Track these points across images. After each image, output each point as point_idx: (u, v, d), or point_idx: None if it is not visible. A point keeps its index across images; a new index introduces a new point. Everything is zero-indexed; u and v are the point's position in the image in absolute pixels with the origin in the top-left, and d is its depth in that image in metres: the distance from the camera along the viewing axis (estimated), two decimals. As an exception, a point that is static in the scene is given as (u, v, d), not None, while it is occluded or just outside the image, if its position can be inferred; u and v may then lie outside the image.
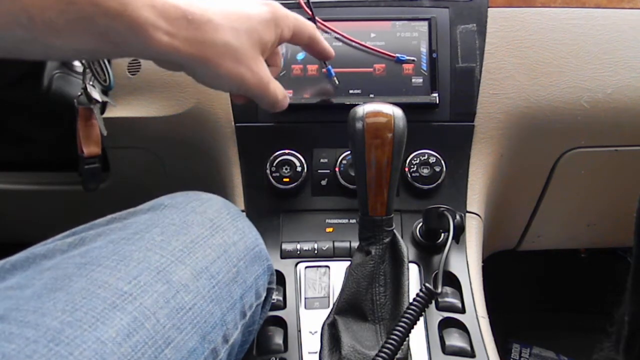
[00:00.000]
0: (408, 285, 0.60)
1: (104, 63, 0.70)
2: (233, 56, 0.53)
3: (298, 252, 0.73)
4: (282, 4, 0.78)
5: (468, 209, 0.77)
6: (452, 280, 0.71)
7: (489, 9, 0.79)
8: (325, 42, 0.68)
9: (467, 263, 0.73)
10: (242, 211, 0.78)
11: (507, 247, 1.04)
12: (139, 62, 0.80)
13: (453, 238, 0.66)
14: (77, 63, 0.76)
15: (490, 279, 0.77)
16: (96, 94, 0.73)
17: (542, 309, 1.36)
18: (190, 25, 0.50)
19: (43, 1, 0.41)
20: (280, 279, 0.70)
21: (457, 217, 0.68)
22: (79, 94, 0.74)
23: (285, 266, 0.72)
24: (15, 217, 1.03)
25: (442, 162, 0.76)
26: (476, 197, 0.78)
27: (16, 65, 0.53)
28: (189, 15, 0.49)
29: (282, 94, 0.62)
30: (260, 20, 0.56)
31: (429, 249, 0.73)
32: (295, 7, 0.79)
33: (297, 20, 0.63)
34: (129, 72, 0.80)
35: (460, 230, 0.68)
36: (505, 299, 1.07)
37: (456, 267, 0.72)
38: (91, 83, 0.73)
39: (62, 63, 0.75)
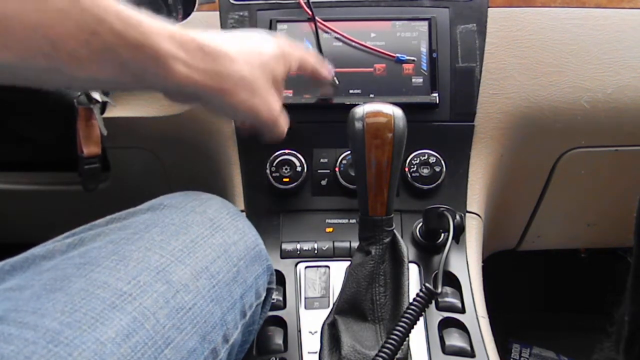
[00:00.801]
0: (408, 285, 0.59)
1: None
2: (248, 88, 0.55)
3: (298, 252, 0.73)
4: (282, 3, 0.80)
5: (468, 209, 0.77)
6: (452, 280, 0.72)
7: (489, 8, 0.79)
8: (326, 71, 0.71)
9: (467, 263, 0.73)
10: (242, 211, 0.78)
11: (507, 247, 1.04)
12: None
13: (453, 238, 0.66)
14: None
15: (491, 279, 0.77)
16: (96, 94, 0.73)
17: (542, 309, 1.35)
18: (208, 57, 0.51)
19: (67, 31, 0.41)
20: (280, 278, 0.70)
21: (457, 217, 0.68)
22: (79, 94, 0.74)
23: (285, 266, 0.72)
24: (15, 217, 1.03)
25: (442, 162, 0.76)
26: (476, 197, 0.78)
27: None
28: (205, 47, 0.51)
29: (285, 128, 0.64)
30: (271, 56, 0.59)
31: (429, 249, 0.73)
32: (295, 6, 0.79)
33: (302, 54, 0.66)
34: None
35: (460, 230, 0.68)
36: (505, 299, 1.07)
37: (456, 267, 0.72)
38: (91, 83, 0.73)
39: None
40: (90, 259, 0.46)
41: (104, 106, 0.79)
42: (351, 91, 0.77)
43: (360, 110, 0.59)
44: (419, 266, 0.72)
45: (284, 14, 0.79)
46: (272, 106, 0.59)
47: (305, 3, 0.78)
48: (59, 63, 0.42)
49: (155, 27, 0.47)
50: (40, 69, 0.42)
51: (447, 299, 0.69)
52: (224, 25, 0.79)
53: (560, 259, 1.33)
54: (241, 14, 0.79)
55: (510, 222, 0.97)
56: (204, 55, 0.51)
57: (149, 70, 0.47)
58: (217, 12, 0.80)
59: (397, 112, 0.59)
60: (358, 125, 0.58)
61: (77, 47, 0.42)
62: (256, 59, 0.57)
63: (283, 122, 0.62)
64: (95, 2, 0.42)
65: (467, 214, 0.77)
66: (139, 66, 0.47)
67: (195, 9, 0.81)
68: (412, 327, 0.53)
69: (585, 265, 1.31)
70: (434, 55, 0.78)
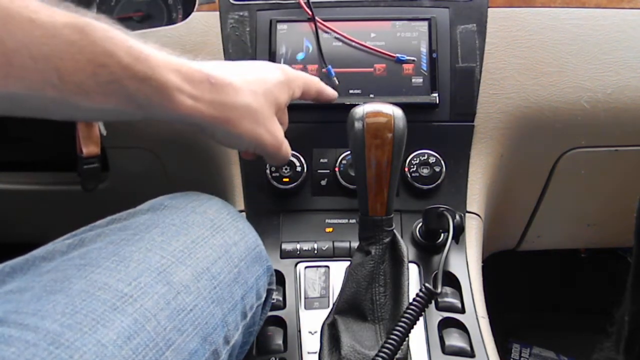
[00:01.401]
0: (408, 286, 0.60)
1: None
2: (253, 117, 0.56)
3: (298, 252, 0.73)
4: (281, 3, 0.80)
5: (468, 209, 0.77)
6: (451, 280, 0.72)
7: (489, 9, 0.79)
8: (330, 90, 0.72)
9: (467, 263, 0.73)
10: (242, 211, 0.78)
11: (508, 247, 1.04)
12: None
13: (453, 238, 0.66)
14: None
15: (491, 278, 0.77)
16: (96, 94, 0.73)
17: (542, 309, 1.36)
18: (213, 88, 0.52)
19: (75, 63, 0.42)
20: (280, 279, 0.70)
21: (457, 217, 0.68)
22: (79, 93, 0.74)
23: (285, 266, 0.72)
24: (15, 217, 1.03)
25: (442, 162, 0.76)
26: (476, 197, 0.78)
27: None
28: (211, 79, 0.52)
29: (289, 153, 0.65)
30: (275, 83, 0.60)
31: (429, 249, 0.73)
32: (295, 7, 0.79)
33: (305, 79, 0.67)
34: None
35: (459, 231, 0.68)
36: (505, 299, 1.07)
37: (456, 267, 0.72)
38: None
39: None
40: (91, 260, 0.46)
41: (103, 106, 0.79)
42: (351, 91, 0.77)
43: (360, 110, 0.59)
44: (419, 266, 0.72)
45: (284, 14, 0.79)
46: (276, 134, 0.60)
47: (305, 3, 0.78)
48: (66, 94, 0.43)
49: (162, 60, 0.48)
50: (47, 100, 0.43)
51: (446, 299, 0.69)
52: (223, 25, 0.79)
53: (560, 259, 1.33)
54: (241, 14, 0.79)
55: (511, 222, 0.96)
56: (210, 87, 0.52)
57: (154, 102, 0.48)
58: (217, 12, 0.80)
59: (397, 112, 0.59)
60: (358, 125, 0.58)
61: (84, 79, 0.43)
62: (260, 87, 0.58)
63: (286, 149, 0.63)
64: (106, 35, 0.43)
65: (467, 214, 0.77)
66: (144, 98, 0.47)
67: (195, 9, 0.81)
68: (412, 327, 0.53)
69: (586, 265, 1.31)
70: (434, 55, 0.78)
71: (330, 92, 0.72)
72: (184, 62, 0.51)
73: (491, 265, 0.85)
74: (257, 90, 0.57)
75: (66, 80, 0.42)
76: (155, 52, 0.48)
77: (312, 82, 0.69)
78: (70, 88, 0.42)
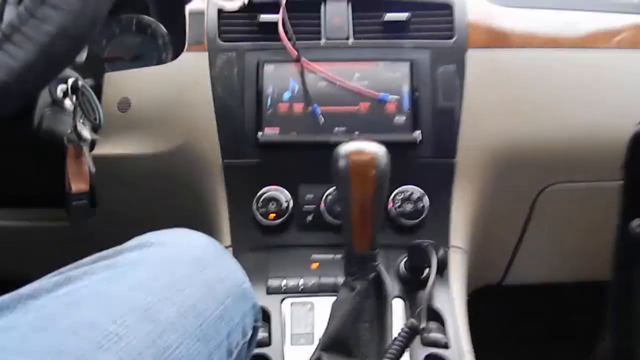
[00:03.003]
0: (391, 321, 0.60)
1: (94, 102, 0.72)
2: None
3: (284, 288, 0.74)
4: (268, 44, 0.82)
5: (452, 243, 0.79)
6: (436, 315, 0.72)
7: (468, 50, 0.82)
8: None
9: (452, 298, 0.74)
10: (228, 247, 0.79)
11: (492, 282, 1.05)
12: (129, 101, 0.82)
13: (437, 273, 0.67)
14: (67, 102, 0.77)
15: (476, 313, 0.78)
16: (86, 132, 0.74)
17: (529, 342, 1.35)
18: None
19: None
20: (265, 315, 0.70)
21: (441, 251, 0.69)
22: (69, 131, 0.75)
23: (271, 302, 0.72)
24: (5, 254, 1.02)
25: (425, 197, 0.78)
26: (459, 231, 0.80)
27: (10, 104, 0.55)
28: None
29: None
30: None
31: (414, 283, 0.74)
32: (281, 48, 0.81)
33: None
34: (119, 109, 0.82)
35: (443, 265, 0.69)
36: (491, 334, 1.07)
37: (441, 301, 0.73)
38: (81, 121, 0.74)
39: (53, 101, 0.76)
40: (77, 297, 0.46)
41: (93, 143, 0.80)
42: (336, 129, 0.79)
43: (344, 148, 0.60)
44: (404, 301, 0.73)
45: (271, 55, 0.82)
46: None
47: (291, 45, 0.81)
48: None
49: None
50: None
51: (431, 334, 0.69)
52: (212, 66, 0.81)
53: (545, 292, 1.34)
54: (229, 55, 0.82)
55: (494, 256, 0.98)
56: None
57: None
58: (206, 53, 0.82)
59: (380, 150, 0.60)
60: (342, 162, 0.60)
61: None
62: None
63: None
64: None
65: (451, 248, 0.78)
66: None
67: (185, 50, 0.83)
68: (397, 363, 0.54)
69: (572, 298, 1.32)
70: (416, 94, 0.80)
71: None
72: None
73: (477, 300, 0.85)
74: None
75: None
76: None
77: None
78: None
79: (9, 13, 0.72)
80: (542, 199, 0.86)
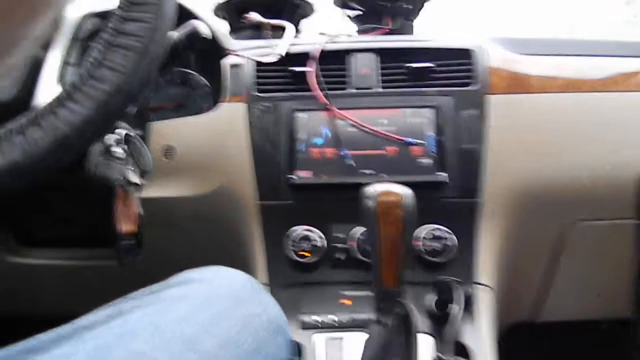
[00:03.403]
0: (418, 356, 0.62)
1: (145, 151, 0.78)
2: None
3: (317, 324, 0.77)
4: (301, 95, 0.87)
5: (479, 281, 0.81)
6: (466, 352, 0.74)
7: (490, 95, 0.86)
8: None
9: (480, 334, 0.76)
10: (265, 284, 0.83)
11: (524, 319, 1.06)
12: (174, 148, 0.88)
13: (464, 309, 0.69)
14: (119, 150, 0.84)
15: (512, 352, 0.79)
16: (135, 178, 0.80)
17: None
18: None
19: None
20: (299, 350, 0.73)
21: (467, 288, 0.71)
22: (121, 177, 0.81)
23: (304, 337, 0.75)
24: (55, 291, 1.08)
25: (452, 236, 0.81)
26: (486, 269, 0.82)
27: (70, 155, 0.61)
28: None
29: None
30: None
31: (442, 319, 0.76)
32: (312, 97, 0.87)
33: None
34: (165, 156, 0.88)
35: (469, 301, 0.71)
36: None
37: (469, 338, 0.75)
38: (132, 168, 0.81)
39: (106, 150, 0.83)
40: (129, 329, 0.51)
41: (140, 188, 0.86)
42: (365, 171, 0.84)
43: (372, 189, 0.64)
44: (433, 337, 0.75)
45: (304, 104, 0.87)
46: None
47: (322, 94, 0.86)
48: None
49: None
50: None
51: (460, 371, 0.71)
52: (250, 114, 0.87)
53: (581, 330, 1.32)
54: (266, 105, 0.87)
55: (525, 294, 0.99)
56: None
57: None
58: (245, 104, 0.88)
59: (406, 191, 0.64)
60: (370, 203, 0.64)
61: None
62: None
63: None
64: None
65: (478, 285, 0.80)
66: None
67: (225, 100, 0.90)
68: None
69: (607, 336, 1.30)
70: (441, 138, 0.84)
71: None
72: None
73: (512, 338, 0.86)
74: None
75: None
76: None
77: None
78: None
79: (71, 74, 0.81)
80: (568, 237, 0.88)
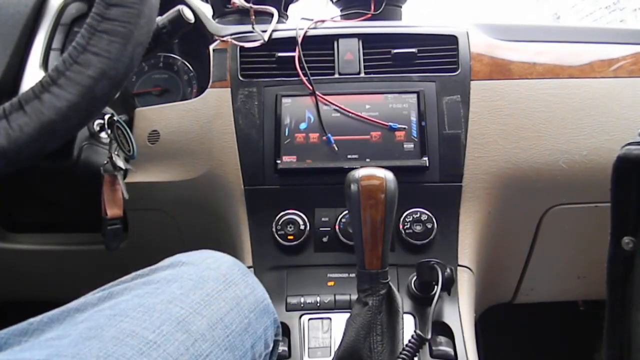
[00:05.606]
0: (402, 334, 0.65)
1: (129, 135, 0.79)
2: None
3: (302, 305, 0.79)
4: (286, 80, 0.88)
5: (459, 263, 0.83)
6: (445, 330, 0.77)
7: (471, 81, 0.88)
8: None
9: (460, 314, 0.78)
10: (250, 267, 0.84)
11: (503, 300, 1.09)
12: (158, 133, 0.89)
13: (444, 290, 0.72)
14: (103, 135, 0.84)
15: (490, 330, 0.82)
16: (120, 162, 0.81)
17: (536, 354, 1.37)
18: None
19: None
20: (285, 330, 0.75)
21: (447, 270, 0.74)
22: (105, 162, 0.81)
23: (290, 318, 0.77)
24: (43, 276, 1.09)
25: (434, 219, 0.83)
26: (467, 251, 0.84)
27: (57, 140, 0.61)
28: None
29: None
30: None
31: (423, 300, 0.78)
32: (298, 83, 0.88)
33: None
34: (149, 141, 0.89)
35: (450, 283, 0.74)
36: (504, 351, 1.10)
37: (449, 317, 0.78)
38: (116, 153, 0.81)
39: (90, 135, 0.83)
40: (120, 310, 0.52)
41: (126, 172, 0.87)
42: (349, 156, 0.85)
43: (356, 174, 0.66)
44: (414, 317, 0.77)
45: (288, 89, 0.88)
46: None
47: (306, 80, 0.87)
48: None
49: None
50: None
51: (440, 347, 0.74)
52: (234, 100, 0.88)
53: (557, 310, 1.36)
54: (250, 89, 0.88)
55: (504, 276, 1.02)
56: None
57: None
58: (229, 89, 0.89)
59: (389, 175, 0.66)
60: (354, 187, 0.65)
61: None
62: None
63: None
64: None
65: (459, 267, 0.83)
66: None
67: (209, 86, 0.90)
68: (406, 372, 0.58)
69: (583, 317, 1.34)
70: (423, 123, 0.85)
71: None
72: None
73: (489, 317, 0.89)
74: None
75: None
76: None
77: None
78: None
79: (54, 59, 0.81)
80: (546, 221, 0.90)
